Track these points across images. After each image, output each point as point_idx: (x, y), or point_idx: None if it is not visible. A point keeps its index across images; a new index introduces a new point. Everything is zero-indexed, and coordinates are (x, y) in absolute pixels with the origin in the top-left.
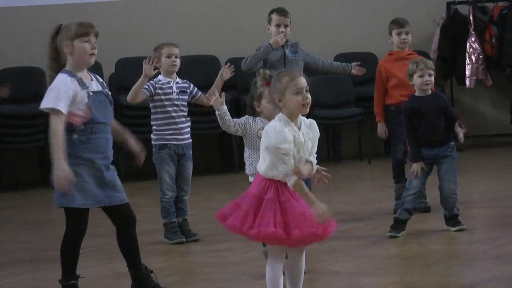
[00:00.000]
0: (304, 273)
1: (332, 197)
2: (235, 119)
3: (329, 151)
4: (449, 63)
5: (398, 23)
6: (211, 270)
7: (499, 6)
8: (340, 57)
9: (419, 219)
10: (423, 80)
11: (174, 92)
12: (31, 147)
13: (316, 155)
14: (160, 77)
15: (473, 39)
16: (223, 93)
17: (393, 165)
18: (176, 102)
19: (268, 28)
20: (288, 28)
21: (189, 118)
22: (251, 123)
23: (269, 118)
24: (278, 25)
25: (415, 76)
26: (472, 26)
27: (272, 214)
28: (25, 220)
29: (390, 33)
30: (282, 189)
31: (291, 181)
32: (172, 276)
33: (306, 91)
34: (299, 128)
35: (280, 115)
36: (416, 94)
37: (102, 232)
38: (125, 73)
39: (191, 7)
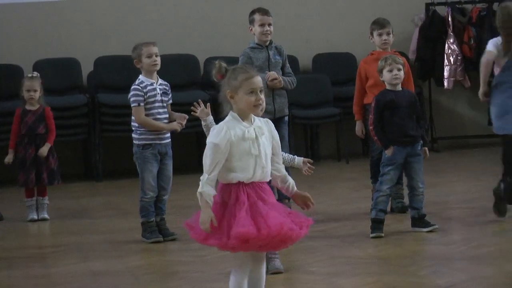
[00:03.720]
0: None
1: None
2: None
3: (307, 151)
4: (427, 64)
5: (379, 24)
6: (188, 269)
7: (478, 8)
8: (318, 57)
9: (396, 219)
10: (392, 75)
11: (158, 94)
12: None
13: (290, 155)
14: (142, 78)
15: (451, 40)
16: (208, 104)
17: (371, 165)
18: (160, 104)
19: (251, 29)
20: (271, 27)
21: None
22: None
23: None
24: (262, 25)
25: (385, 72)
26: (451, 27)
27: (240, 216)
28: None
29: (372, 34)
30: (245, 190)
31: (200, 189)
32: (149, 275)
33: (260, 91)
34: (251, 124)
35: (231, 112)
36: (387, 88)
37: (77, 230)
38: (103, 71)
39: (170, 6)
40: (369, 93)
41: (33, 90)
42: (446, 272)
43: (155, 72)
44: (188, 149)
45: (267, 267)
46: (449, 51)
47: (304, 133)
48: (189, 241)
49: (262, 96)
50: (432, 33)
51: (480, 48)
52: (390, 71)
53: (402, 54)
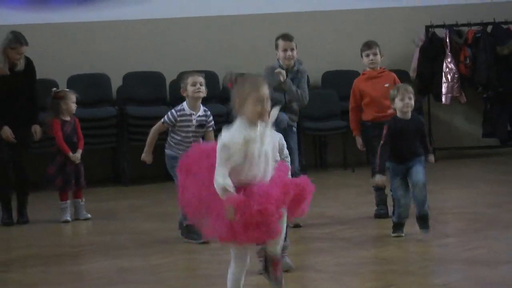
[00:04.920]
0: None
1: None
2: None
3: (316, 160)
4: (427, 81)
5: (367, 45)
6: (208, 267)
7: (473, 30)
8: (327, 74)
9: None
10: (404, 104)
11: (193, 125)
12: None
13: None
14: (184, 106)
15: (449, 59)
16: None
17: (372, 174)
18: (192, 134)
19: (277, 53)
20: (295, 51)
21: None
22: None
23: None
24: (285, 50)
25: (397, 100)
26: (448, 47)
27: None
28: (35, 219)
29: (361, 55)
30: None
31: (223, 195)
32: (171, 272)
33: (266, 100)
34: (258, 132)
35: (240, 118)
36: (398, 115)
37: (105, 230)
38: (131, 86)
39: (193, 26)
40: (365, 109)
41: (76, 102)
42: (442, 271)
43: (199, 102)
44: None
45: None
46: (447, 69)
47: (314, 143)
48: (209, 242)
49: (268, 105)
50: (431, 52)
51: (475, 66)
52: (402, 99)
53: (402, 72)
